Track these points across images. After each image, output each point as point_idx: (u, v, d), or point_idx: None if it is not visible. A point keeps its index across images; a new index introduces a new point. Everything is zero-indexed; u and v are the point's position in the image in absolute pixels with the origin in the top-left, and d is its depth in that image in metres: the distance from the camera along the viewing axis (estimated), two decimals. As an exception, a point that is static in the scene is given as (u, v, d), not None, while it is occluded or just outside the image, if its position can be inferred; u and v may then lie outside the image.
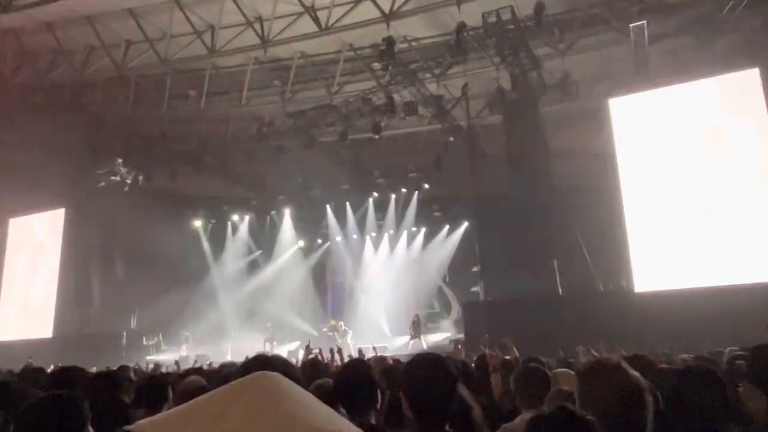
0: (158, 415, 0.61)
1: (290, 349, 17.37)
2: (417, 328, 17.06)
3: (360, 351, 9.60)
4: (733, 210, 12.07)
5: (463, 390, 2.68)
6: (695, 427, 2.05)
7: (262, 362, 1.90)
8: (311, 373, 4.14)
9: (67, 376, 3.66)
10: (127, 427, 0.59)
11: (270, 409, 0.58)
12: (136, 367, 9.02)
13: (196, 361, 12.29)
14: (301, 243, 21.59)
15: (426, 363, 2.24)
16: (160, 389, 3.52)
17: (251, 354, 2.20)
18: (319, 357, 6.83)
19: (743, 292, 10.92)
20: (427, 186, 19.05)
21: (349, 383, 2.63)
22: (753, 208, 11.92)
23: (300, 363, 6.42)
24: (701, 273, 12.11)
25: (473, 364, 5.10)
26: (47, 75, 16.48)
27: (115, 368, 5.63)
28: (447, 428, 2.09)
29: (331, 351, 7.55)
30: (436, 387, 2.11)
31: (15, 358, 13.62)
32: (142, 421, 0.61)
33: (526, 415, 2.71)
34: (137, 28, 14.91)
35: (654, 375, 3.43)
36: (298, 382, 2.05)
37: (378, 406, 2.67)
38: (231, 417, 0.57)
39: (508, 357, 6.90)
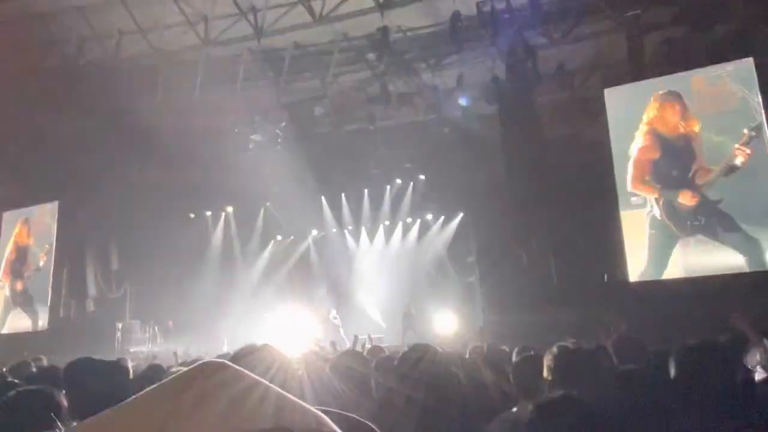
0: (102, 414, 0.58)
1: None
2: (409, 319, 17.09)
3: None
4: (729, 199, 12.12)
5: (462, 378, 2.69)
6: (704, 402, 2.07)
7: (253, 351, 1.89)
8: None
9: (81, 367, 3.65)
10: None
11: (219, 400, 0.56)
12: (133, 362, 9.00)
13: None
14: (292, 237, 21.61)
15: (419, 355, 2.26)
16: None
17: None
18: (317, 349, 6.84)
19: (739, 280, 11.01)
20: (422, 177, 19.03)
21: (343, 374, 2.64)
22: (749, 198, 11.97)
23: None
24: (696, 262, 12.18)
25: (467, 355, 5.13)
26: (40, 66, 16.33)
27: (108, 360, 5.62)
28: (440, 418, 2.10)
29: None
30: (428, 379, 2.13)
31: (9, 350, 13.60)
32: (85, 422, 0.58)
33: (523, 404, 2.72)
34: (130, 18, 14.80)
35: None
36: (290, 371, 2.05)
37: (372, 396, 2.68)
38: (181, 410, 0.55)
39: (505, 348, 6.94)
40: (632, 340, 4.12)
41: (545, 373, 2.31)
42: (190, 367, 0.62)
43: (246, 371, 0.61)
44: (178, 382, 0.59)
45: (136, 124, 17.61)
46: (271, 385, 0.60)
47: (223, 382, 0.58)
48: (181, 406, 0.55)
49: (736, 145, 11.95)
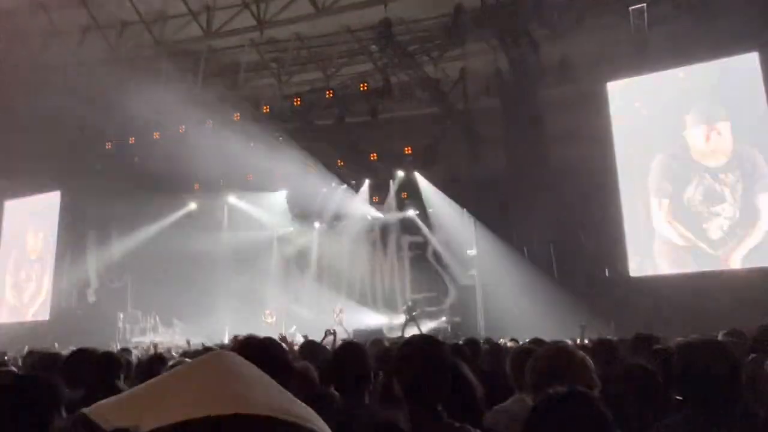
0: (114, 397, 0.62)
1: (290, 332, 17.42)
2: (412, 311, 17.10)
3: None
4: (729, 194, 12.09)
5: (465, 369, 2.70)
6: (706, 398, 2.08)
7: (250, 344, 1.90)
8: (310, 355, 4.18)
9: (80, 357, 3.69)
10: (84, 410, 0.59)
11: (223, 388, 0.59)
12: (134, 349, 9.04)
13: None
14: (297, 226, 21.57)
15: (419, 346, 2.26)
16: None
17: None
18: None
19: (738, 276, 11.00)
20: (424, 169, 18.97)
21: (342, 366, 2.65)
22: (749, 193, 11.94)
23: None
24: (696, 257, 12.17)
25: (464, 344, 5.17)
26: (41, 56, 16.30)
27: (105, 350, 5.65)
28: (440, 409, 2.11)
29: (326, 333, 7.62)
30: (428, 370, 2.13)
31: (12, 340, 13.65)
32: (99, 404, 0.61)
33: (521, 397, 2.74)
34: (132, 9, 14.75)
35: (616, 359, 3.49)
36: (287, 363, 2.06)
37: (371, 388, 2.70)
38: (182, 396, 0.58)
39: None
40: (607, 345, 4.15)
41: (528, 371, 2.32)
42: (205, 355, 0.67)
43: (249, 363, 0.65)
44: (182, 372, 0.63)
45: (137, 115, 17.61)
46: (271, 379, 0.64)
47: (225, 373, 0.61)
48: (182, 394, 0.58)
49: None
